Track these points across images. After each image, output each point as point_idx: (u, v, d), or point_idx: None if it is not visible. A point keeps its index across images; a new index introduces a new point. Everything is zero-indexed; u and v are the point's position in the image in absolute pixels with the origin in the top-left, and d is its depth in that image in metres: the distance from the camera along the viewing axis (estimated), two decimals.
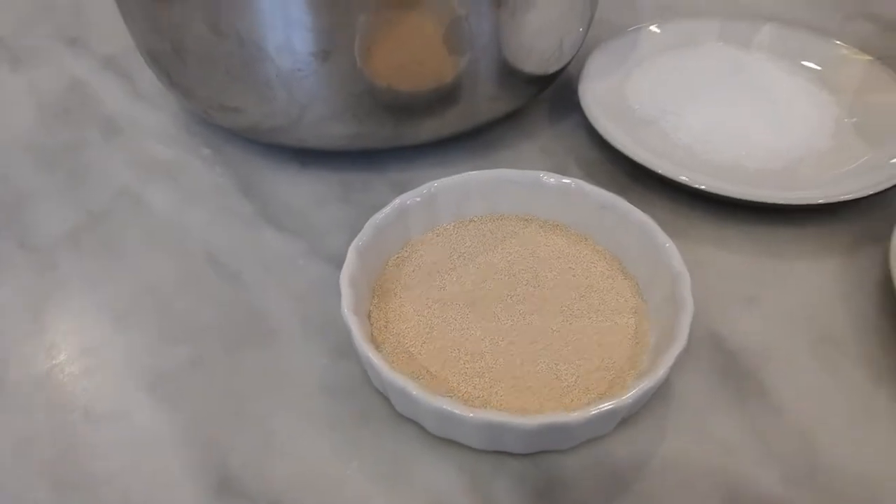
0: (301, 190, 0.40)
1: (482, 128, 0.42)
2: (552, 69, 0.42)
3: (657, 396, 0.30)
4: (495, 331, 0.31)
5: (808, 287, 0.35)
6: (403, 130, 0.40)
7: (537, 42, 0.39)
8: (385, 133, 0.40)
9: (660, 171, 0.37)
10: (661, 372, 0.27)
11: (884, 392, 0.30)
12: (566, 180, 0.35)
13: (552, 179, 0.35)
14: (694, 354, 0.32)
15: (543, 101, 0.45)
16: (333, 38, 0.34)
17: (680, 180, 0.37)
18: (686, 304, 0.29)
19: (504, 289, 0.33)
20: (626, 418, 0.29)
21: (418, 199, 0.34)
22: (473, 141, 0.42)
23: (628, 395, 0.26)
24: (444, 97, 0.39)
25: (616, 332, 0.31)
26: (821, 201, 0.36)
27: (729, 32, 0.48)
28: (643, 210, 0.33)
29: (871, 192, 0.36)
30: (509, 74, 0.39)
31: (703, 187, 0.36)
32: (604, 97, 0.43)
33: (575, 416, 0.26)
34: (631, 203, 0.33)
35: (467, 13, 0.35)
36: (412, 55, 0.36)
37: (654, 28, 0.48)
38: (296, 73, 0.35)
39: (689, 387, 0.31)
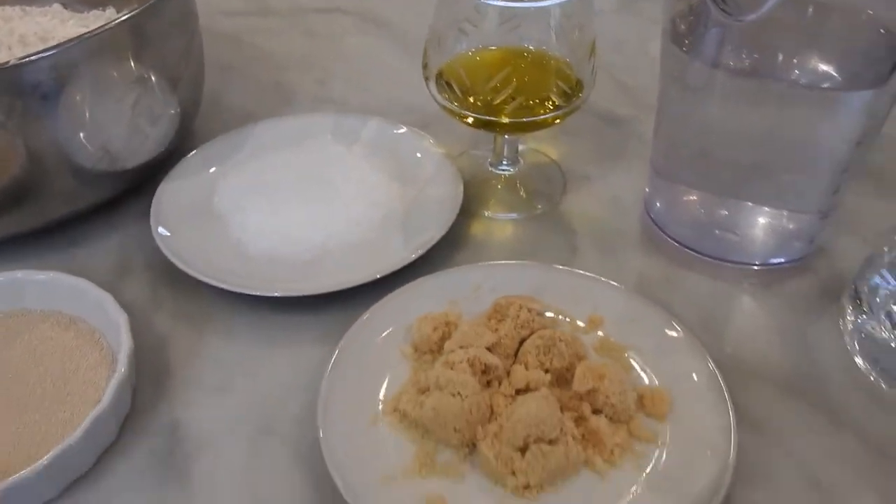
0: None
1: (70, 220, 0.45)
2: (126, 166, 0.45)
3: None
4: None
5: (274, 379, 0.38)
6: None
7: (84, 140, 0.41)
8: None
9: (175, 263, 0.40)
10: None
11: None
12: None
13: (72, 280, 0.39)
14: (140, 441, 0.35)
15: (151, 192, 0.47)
16: None
17: (189, 272, 0.40)
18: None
19: None
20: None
21: None
22: (59, 234, 0.45)
23: None
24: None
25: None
26: (299, 293, 0.40)
27: (340, 127, 0.51)
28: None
29: (342, 288, 0.40)
30: (70, 172, 0.42)
31: (209, 280, 0.40)
32: (189, 191, 0.46)
33: None
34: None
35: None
36: None
37: (269, 122, 0.52)
38: None
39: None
